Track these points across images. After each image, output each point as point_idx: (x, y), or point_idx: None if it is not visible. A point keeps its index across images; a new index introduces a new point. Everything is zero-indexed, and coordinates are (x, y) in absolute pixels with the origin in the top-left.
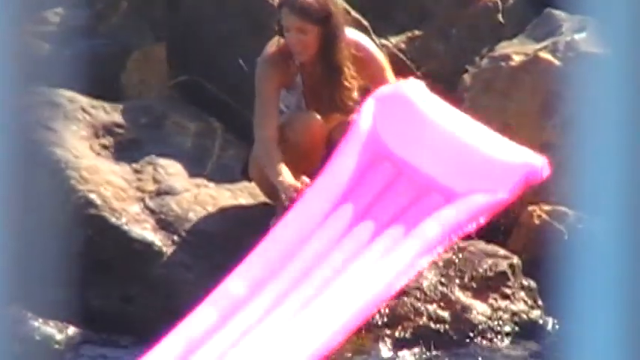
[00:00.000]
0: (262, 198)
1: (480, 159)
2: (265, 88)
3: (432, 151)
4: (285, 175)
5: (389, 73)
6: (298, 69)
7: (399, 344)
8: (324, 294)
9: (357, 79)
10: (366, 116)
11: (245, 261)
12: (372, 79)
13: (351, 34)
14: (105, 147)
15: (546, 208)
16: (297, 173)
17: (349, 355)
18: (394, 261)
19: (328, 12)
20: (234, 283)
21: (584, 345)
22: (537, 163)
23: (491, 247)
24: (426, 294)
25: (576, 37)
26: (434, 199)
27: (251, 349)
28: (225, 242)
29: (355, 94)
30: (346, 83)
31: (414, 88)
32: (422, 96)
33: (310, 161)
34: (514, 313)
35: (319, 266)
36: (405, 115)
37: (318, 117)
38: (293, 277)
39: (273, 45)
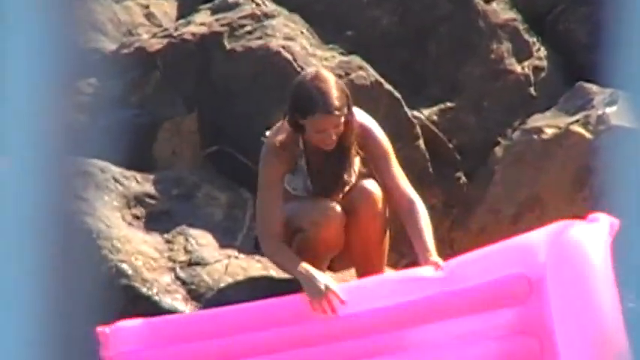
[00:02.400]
0: None
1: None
2: (269, 180)
3: (571, 323)
4: (307, 269)
5: (392, 159)
6: (302, 152)
7: None
8: None
9: (359, 153)
10: (539, 244)
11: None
12: (372, 162)
13: (358, 114)
14: (137, 217)
15: None
16: (314, 263)
17: None
18: None
19: (348, 97)
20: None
21: None
22: None
23: None
24: None
25: (608, 110)
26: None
27: None
28: None
29: (355, 169)
30: (350, 161)
31: (595, 239)
32: (598, 252)
33: (328, 251)
34: None
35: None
36: (573, 269)
37: (338, 208)
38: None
39: (277, 132)
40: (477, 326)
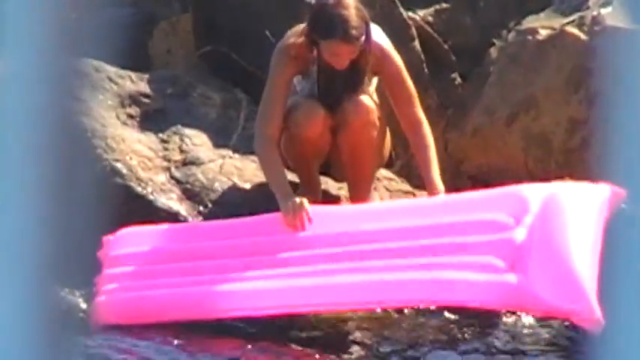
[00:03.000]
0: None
1: (569, 276)
2: (278, 81)
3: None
4: (284, 188)
5: (405, 82)
6: (315, 59)
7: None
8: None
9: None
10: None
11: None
12: (384, 84)
13: (375, 34)
14: (131, 116)
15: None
16: (300, 161)
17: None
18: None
19: (367, 24)
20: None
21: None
22: (596, 314)
23: None
24: None
25: (602, 11)
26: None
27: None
28: (250, 213)
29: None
30: (363, 85)
31: (587, 200)
32: (584, 211)
33: (313, 151)
34: None
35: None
36: (556, 214)
37: (321, 110)
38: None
39: (295, 35)
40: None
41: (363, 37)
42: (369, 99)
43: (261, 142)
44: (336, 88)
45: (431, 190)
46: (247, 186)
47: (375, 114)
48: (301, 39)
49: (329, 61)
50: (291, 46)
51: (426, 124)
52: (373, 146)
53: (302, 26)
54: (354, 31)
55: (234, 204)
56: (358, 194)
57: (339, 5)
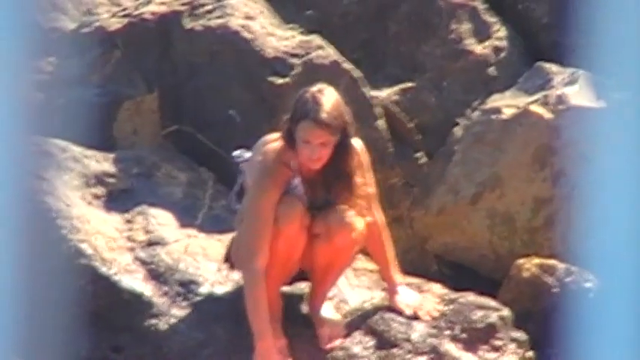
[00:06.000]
0: None
1: None
2: (264, 207)
3: None
4: (264, 323)
5: (372, 186)
6: (296, 171)
7: None
8: None
9: (366, 185)
10: None
11: None
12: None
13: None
14: (96, 196)
15: (536, 261)
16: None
17: None
18: None
19: (345, 122)
20: None
21: None
22: None
23: (482, 299)
24: (415, 346)
25: (567, 90)
26: None
27: None
28: (214, 293)
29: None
30: (357, 191)
31: None
32: None
33: (289, 252)
34: None
35: None
36: None
37: (300, 205)
38: None
39: (273, 151)
40: None
41: (338, 132)
42: (354, 215)
43: (249, 277)
44: (320, 196)
45: (392, 287)
46: (213, 265)
47: (359, 230)
48: (276, 155)
49: (303, 160)
50: (272, 168)
51: (385, 227)
52: (349, 260)
53: (275, 139)
54: (325, 115)
55: (199, 284)
56: (317, 295)
57: (320, 92)
